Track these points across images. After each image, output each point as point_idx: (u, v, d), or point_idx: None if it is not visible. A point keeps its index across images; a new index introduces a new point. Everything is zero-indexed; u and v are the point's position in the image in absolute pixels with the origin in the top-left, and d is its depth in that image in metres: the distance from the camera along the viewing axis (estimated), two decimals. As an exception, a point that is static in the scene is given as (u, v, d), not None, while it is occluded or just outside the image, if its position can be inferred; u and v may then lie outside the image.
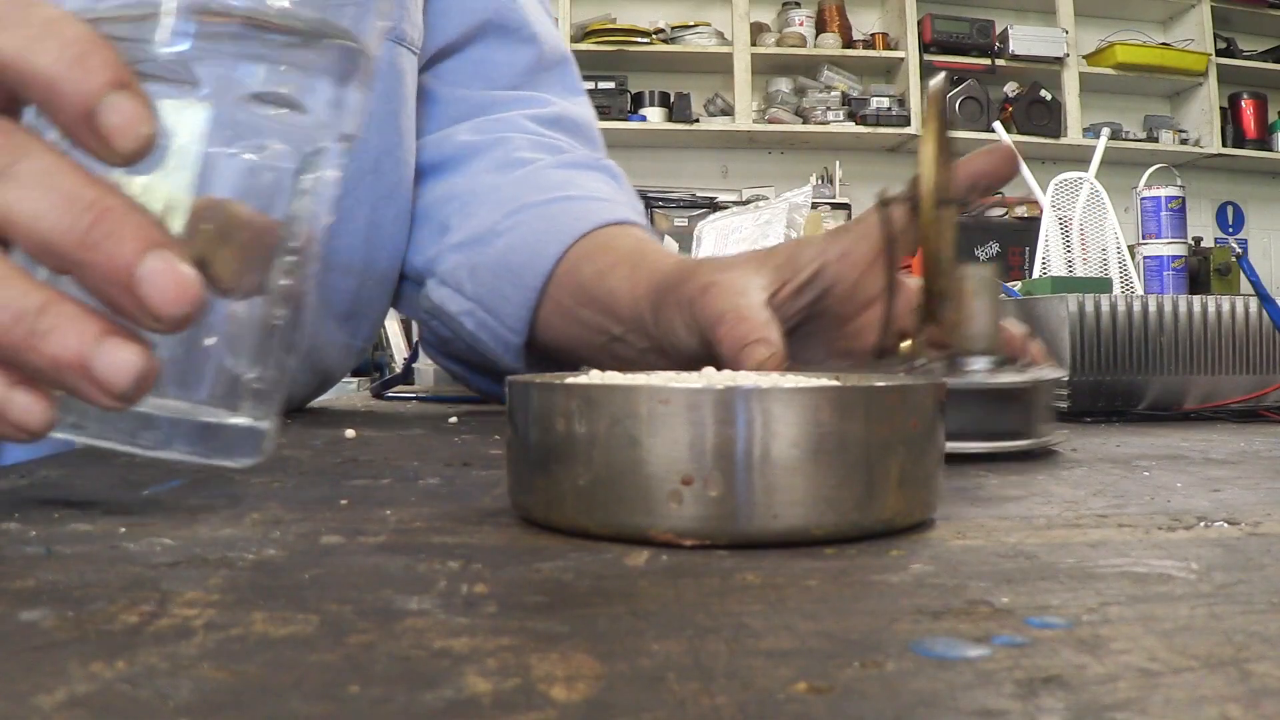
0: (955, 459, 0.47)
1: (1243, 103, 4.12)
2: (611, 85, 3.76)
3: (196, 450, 0.33)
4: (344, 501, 0.37)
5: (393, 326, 2.09)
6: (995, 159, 0.60)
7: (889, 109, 3.92)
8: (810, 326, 0.61)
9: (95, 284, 0.28)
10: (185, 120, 0.31)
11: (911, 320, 0.54)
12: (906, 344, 0.54)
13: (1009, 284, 1.16)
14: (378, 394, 1.07)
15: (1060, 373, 0.56)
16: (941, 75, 0.55)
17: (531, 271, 0.71)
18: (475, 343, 0.74)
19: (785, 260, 0.59)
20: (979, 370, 0.53)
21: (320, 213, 0.34)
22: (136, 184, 0.30)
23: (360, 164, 0.72)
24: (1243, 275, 0.82)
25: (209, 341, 0.33)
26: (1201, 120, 4.09)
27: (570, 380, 0.33)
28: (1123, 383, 0.77)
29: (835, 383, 0.33)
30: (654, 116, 3.89)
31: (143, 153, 0.28)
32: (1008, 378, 0.52)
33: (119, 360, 0.28)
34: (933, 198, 0.51)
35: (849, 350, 0.62)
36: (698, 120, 3.94)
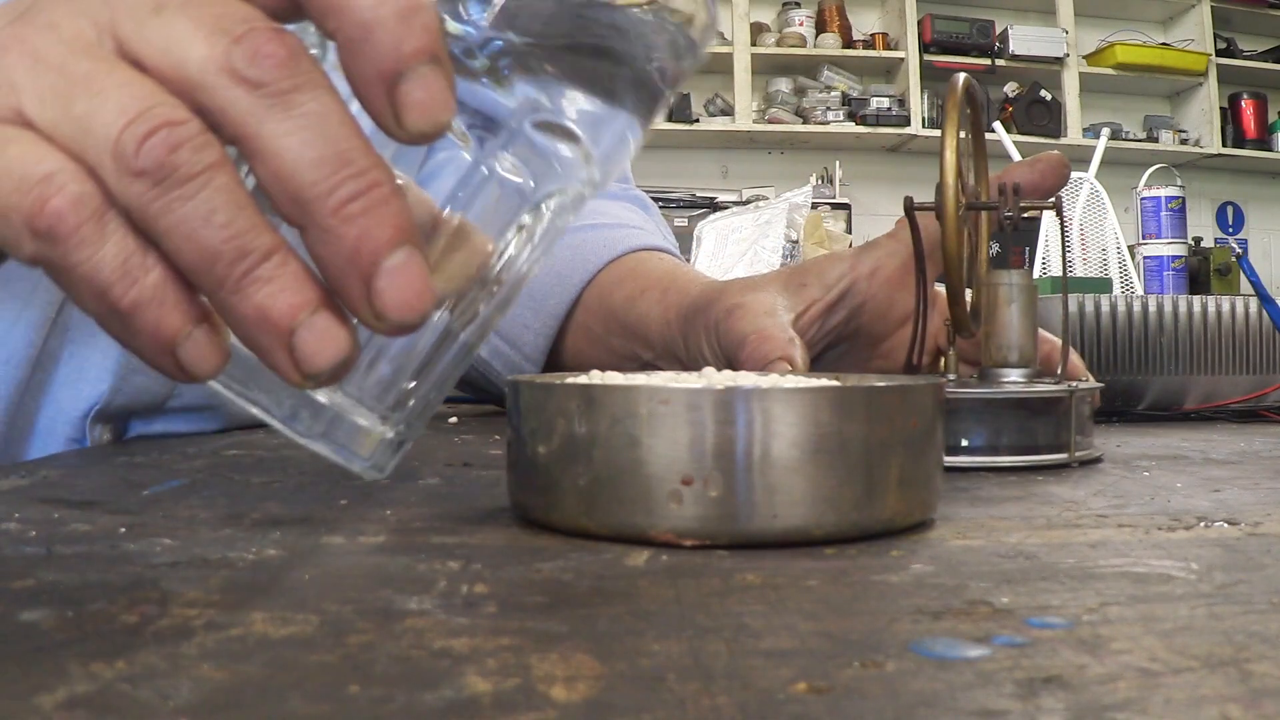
0: (989, 470, 0.47)
1: (1243, 103, 4.12)
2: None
3: (339, 451, 0.30)
4: (344, 501, 0.37)
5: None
6: (1039, 171, 0.57)
7: (889, 109, 3.92)
8: (843, 346, 0.60)
9: (330, 256, 0.25)
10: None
11: (944, 335, 0.53)
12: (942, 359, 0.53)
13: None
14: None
15: (1097, 384, 0.54)
16: (963, 75, 0.53)
17: (555, 300, 0.70)
18: (486, 370, 0.74)
19: (814, 279, 0.58)
20: (1012, 382, 0.51)
21: (531, 258, 0.32)
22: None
23: None
24: (1243, 275, 0.82)
25: (394, 348, 0.30)
26: (1201, 120, 4.09)
27: (570, 380, 0.33)
28: (1123, 383, 0.77)
29: (835, 383, 0.33)
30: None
31: (430, 138, 0.26)
32: (1041, 388, 0.50)
33: (326, 340, 0.25)
34: (955, 204, 0.50)
35: (884, 370, 0.61)
36: (698, 120, 3.94)
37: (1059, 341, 0.55)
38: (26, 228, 0.24)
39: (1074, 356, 0.58)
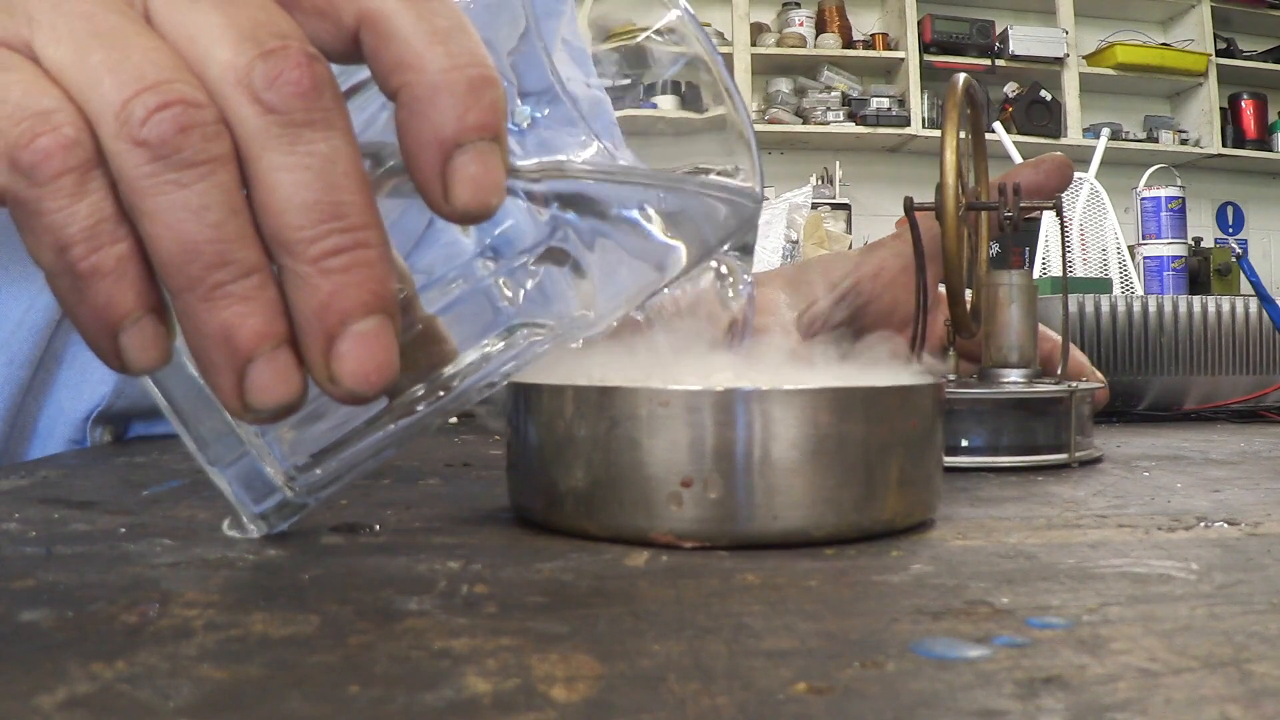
0: (989, 471, 0.47)
1: (1243, 103, 4.12)
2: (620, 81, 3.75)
3: (238, 492, 0.29)
4: (344, 502, 0.37)
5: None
6: (1044, 172, 0.57)
7: (889, 109, 3.92)
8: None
9: (300, 303, 0.24)
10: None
11: (945, 335, 0.53)
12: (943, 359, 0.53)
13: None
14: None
15: (1099, 383, 0.54)
16: (963, 76, 0.53)
17: None
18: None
19: (817, 277, 0.58)
20: (1012, 382, 0.51)
21: (484, 377, 0.30)
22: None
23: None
24: (1243, 275, 0.82)
25: (328, 413, 0.29)
26: (1201, 120, 4.09)
27: (570, 382, 0.33)
28: (1123, 383, 0.77)
29: (834, 384, 0.33)
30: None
31: (473, 219, 0.25)
32: (1040, 388, 0.50)
33: (280, 380, 0.24)
34: (955, 204, 0.50)
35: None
36: (698, 120, 3.93)
37: (1060, 339, 0.55)
38: (6, 157, 0.22)
39: (1079, 355, 0.57)
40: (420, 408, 0.30)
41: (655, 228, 0.29)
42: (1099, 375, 0.58)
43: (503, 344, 0.30)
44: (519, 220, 0.28)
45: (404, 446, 0.31)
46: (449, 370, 0.29)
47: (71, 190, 0.23)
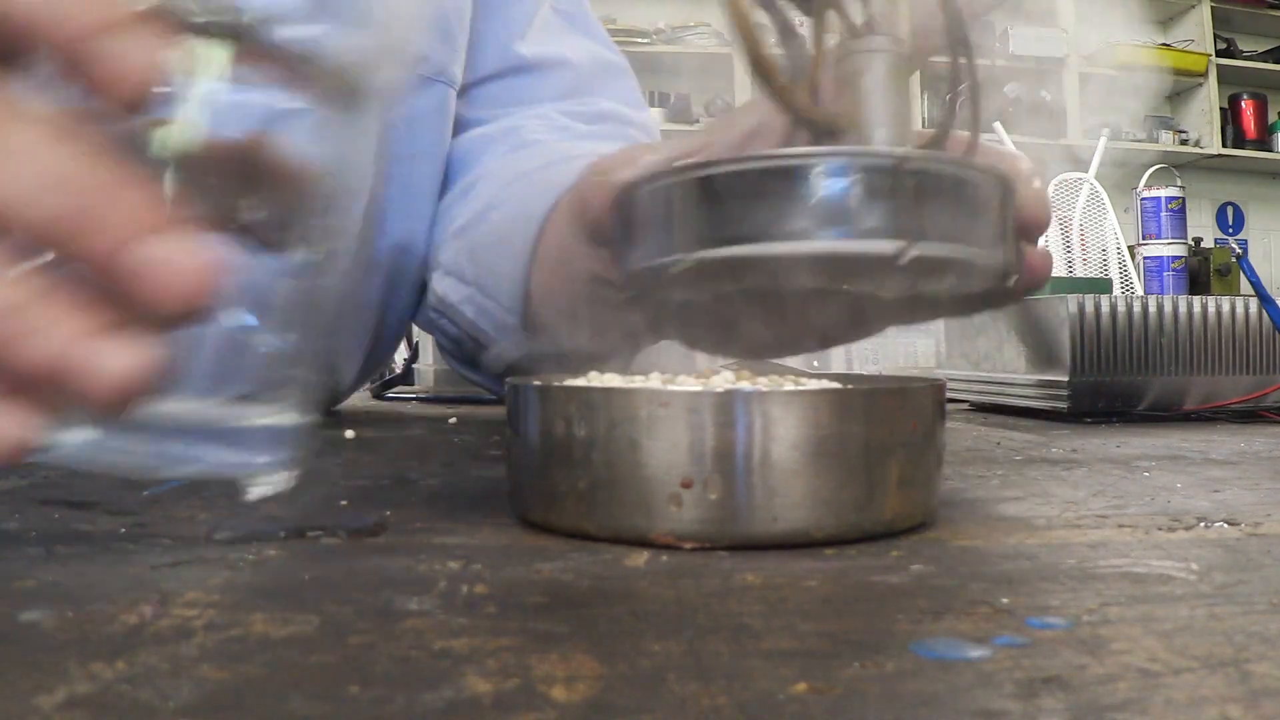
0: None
1: (1243, 103, 4.12)
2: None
3: (226, 460, 0.28)
4: (344, 502, 0.37)
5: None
6: None
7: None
8: None
9: (96, 274, 0.24)
10: (207, 57, 0.27)
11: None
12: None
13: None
14: (378, 395, 1.07)
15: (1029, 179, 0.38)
16: None
17: (521, 236, 0.67)
18: (478, 333, 0.73)
19: (698, 141, 0.57)
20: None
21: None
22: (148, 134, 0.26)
23: (394, 199, 0.72)
24: (1243, 276, 0.82)
25: (234, 329, 0.28)
26: (1201, 120, 4.09)
27: (569, 384, 0.33)
28: (1123, 383, 0.77)
29: (835, 385, 0.33)
30: (654, 117, 3.89)
31: (144, 96, 0.25)
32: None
33: (108, 359, 0.24)
34: None
35: None
36: (698, 121, 3.94)
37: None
38: None
39: (1020, 161, 0.41)
40: (325, 245, 0.29)
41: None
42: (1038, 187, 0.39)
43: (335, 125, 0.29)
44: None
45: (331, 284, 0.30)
46: (320, 185, 0.29)
47: None
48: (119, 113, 0.25)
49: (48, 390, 0.24)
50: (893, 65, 0.38)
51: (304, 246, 0.29)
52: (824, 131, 0.37)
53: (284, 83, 0.29)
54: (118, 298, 0.24)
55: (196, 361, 0.28)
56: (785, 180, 0.31)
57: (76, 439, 0.27)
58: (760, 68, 0.37)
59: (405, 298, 0.78)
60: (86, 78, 0.25)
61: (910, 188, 0.31)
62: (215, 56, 0.28)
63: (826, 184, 0.31)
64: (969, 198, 0.32)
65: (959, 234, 0.32)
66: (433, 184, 0.75)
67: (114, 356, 0.24)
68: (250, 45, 0.28)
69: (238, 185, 0.28)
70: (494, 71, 0.80)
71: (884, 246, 0.31)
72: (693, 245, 0.32)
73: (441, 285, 0.73)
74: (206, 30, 0.28)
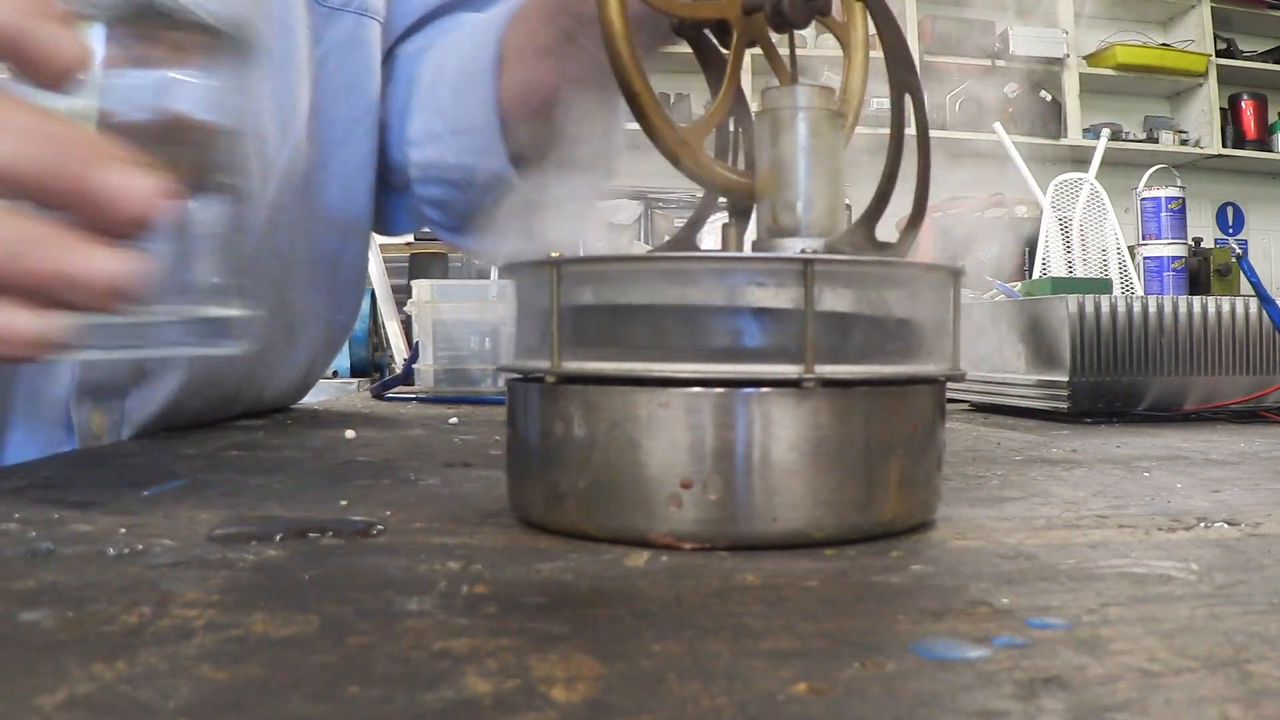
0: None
1: (1243, 103, 4.12)
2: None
3: (199, 342, 0.36)
4: (344, 502, 0.37)
5: (392, 326, 2.09)
6: None
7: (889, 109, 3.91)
8: None
9: (68, 205, 0.31)
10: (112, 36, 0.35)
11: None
12: None
13: (1009, 284, 1.16)
14: (378, 395, 1.07)
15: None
16: None
17: (484, 52, 0.69)
18: (464, 175, 0.72)
19: None
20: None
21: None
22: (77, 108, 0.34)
23: (330, 135, 0.72)
24: (1243, 276, 0.82)
25: (188, 245, 0.36)
26: (1201, 121, 4.09)
27: (569, 385, 0.33)
28: (1123, 383, 0.77)
29: (835, 383, 0.32)
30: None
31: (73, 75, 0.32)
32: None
33: (97, 263, 0.31)
34: None
35: None
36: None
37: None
38: None
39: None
40: (229, 179, 0.37)
41: None
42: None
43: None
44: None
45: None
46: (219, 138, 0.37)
47: None
48: (49, 88, 0.32)
49: (54, 292, 0.31)
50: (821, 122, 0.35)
51: (219, 188, 0.37)
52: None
53: (178, 53, 0.36)
54: (91, 221, 0.31)
55: (155, 274, 0.34)
56: None
57: (82, 333, 0.33)
58: (648, 126, 0.34)
59: (357, 249, 0.79)
60: (19, 60, 0.31)
61: None
62: (119, 35, 0.35)
63: None
64: None
65: None
66: (368, 120, 0.75)
67: (102, 259, 0.31)
68: (150, 21, 0.35)
69: (154, 146, 0.33)
70: (428, 13, 0.81)
71: None
72: None
73: (419, 153, 0.74)
74: (114, 12, 0.34)
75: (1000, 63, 3.92)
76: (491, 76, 0.69)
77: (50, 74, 0.31)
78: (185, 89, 0.36)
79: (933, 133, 0.38)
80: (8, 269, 0.30)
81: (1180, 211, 2.88)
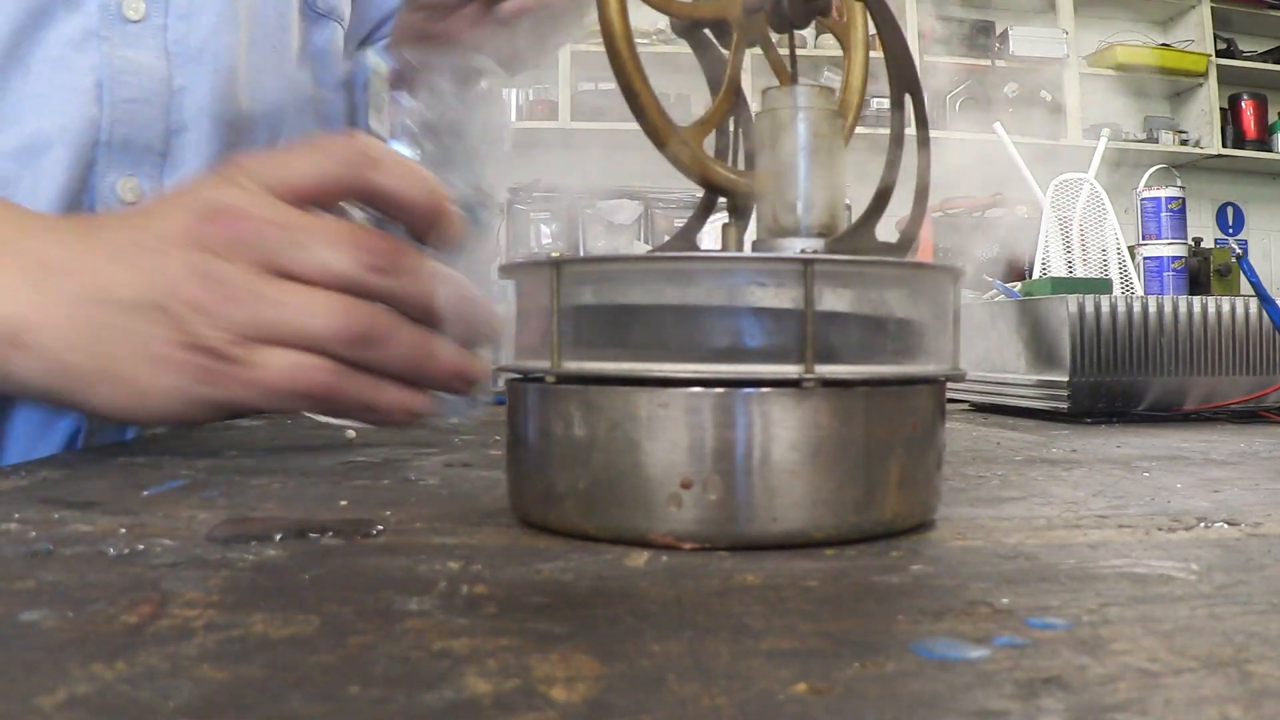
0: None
1: (1243, 103, 4.12)
2: (612, 86, 3.76)
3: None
4: (344, 502, 0.37)
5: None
6: None
7: (889, 109, 3.91)
8: None
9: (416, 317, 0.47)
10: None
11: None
12: None
13: (1009, 284, 1.16)
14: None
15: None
16: None
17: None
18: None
19: None
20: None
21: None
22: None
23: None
24: (1243, 276, 0.82)
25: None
26: (1201, 121, 4.09)
27: (568, 385, 0.33)
28: (1123, 383, 0.77)
29: (835, 384, 0.32)
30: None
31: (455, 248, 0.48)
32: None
33: (441, 356, 0.46)
34: None
35: None
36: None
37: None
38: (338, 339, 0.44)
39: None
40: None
41: None
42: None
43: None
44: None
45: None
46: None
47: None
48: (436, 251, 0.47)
49: (415, 377, 0.46)
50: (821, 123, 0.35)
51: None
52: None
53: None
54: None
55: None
56: None
57: (439, 407, 0.48)
58: (648, 126, 0.35)
59: None
60: (420, 231, 0.47)
61: None
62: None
63: None
64: None
65: None
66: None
67: (446, 353, 0.47)
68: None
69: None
70: (384, 16, 0.86)
71: None
72: None
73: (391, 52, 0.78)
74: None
75: (1000, 63, 3.92)
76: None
77: (444, 243, 0.46)
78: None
79: (933, 133, 0.38)
80: (420, 363, 0.45)
81: (1180, 211, 2.88)
